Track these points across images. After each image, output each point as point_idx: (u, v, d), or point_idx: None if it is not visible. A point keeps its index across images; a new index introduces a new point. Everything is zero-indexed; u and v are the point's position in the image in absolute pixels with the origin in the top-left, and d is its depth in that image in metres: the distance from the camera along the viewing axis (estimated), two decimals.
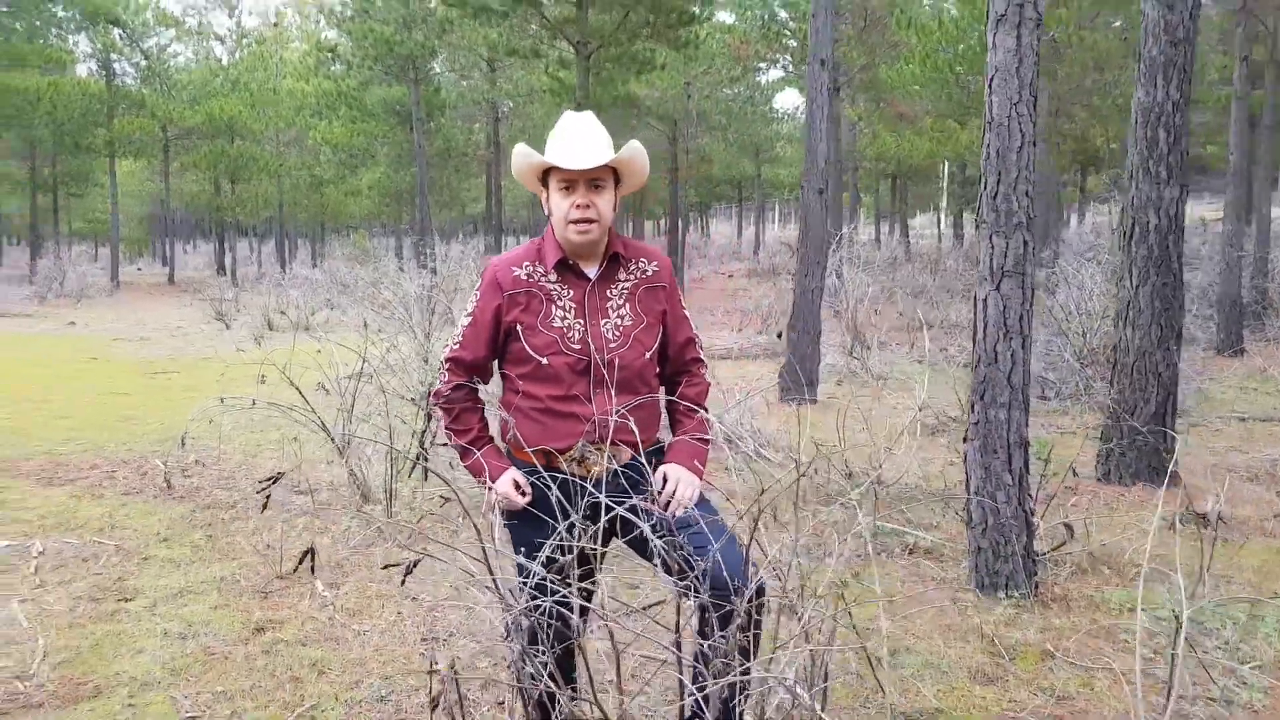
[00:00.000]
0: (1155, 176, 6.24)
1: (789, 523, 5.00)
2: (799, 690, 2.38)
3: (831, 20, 10.18)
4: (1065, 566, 4.61)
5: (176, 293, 27.79)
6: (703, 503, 2.43)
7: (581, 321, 2.44)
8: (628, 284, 2.50)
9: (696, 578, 2.14)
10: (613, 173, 2.47)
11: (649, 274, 2.53)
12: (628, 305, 2.48)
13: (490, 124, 31.20)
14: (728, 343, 14.80)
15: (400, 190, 32.28)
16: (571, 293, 2.46)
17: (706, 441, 2.53)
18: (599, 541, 2.25)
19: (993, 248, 4.21)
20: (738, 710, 2.26)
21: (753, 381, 9.62)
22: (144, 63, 32.91)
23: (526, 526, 2.41)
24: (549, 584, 2.16)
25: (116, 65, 32.75)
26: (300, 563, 2.69)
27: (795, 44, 27.66)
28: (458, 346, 2.52)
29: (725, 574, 2.15)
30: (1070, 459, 5.93)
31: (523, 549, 2.35)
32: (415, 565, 2.61)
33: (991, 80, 4.22)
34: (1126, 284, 6.40)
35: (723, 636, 2.12)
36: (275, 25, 43.12)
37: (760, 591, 2.22)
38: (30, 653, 3.68)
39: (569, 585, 2.16)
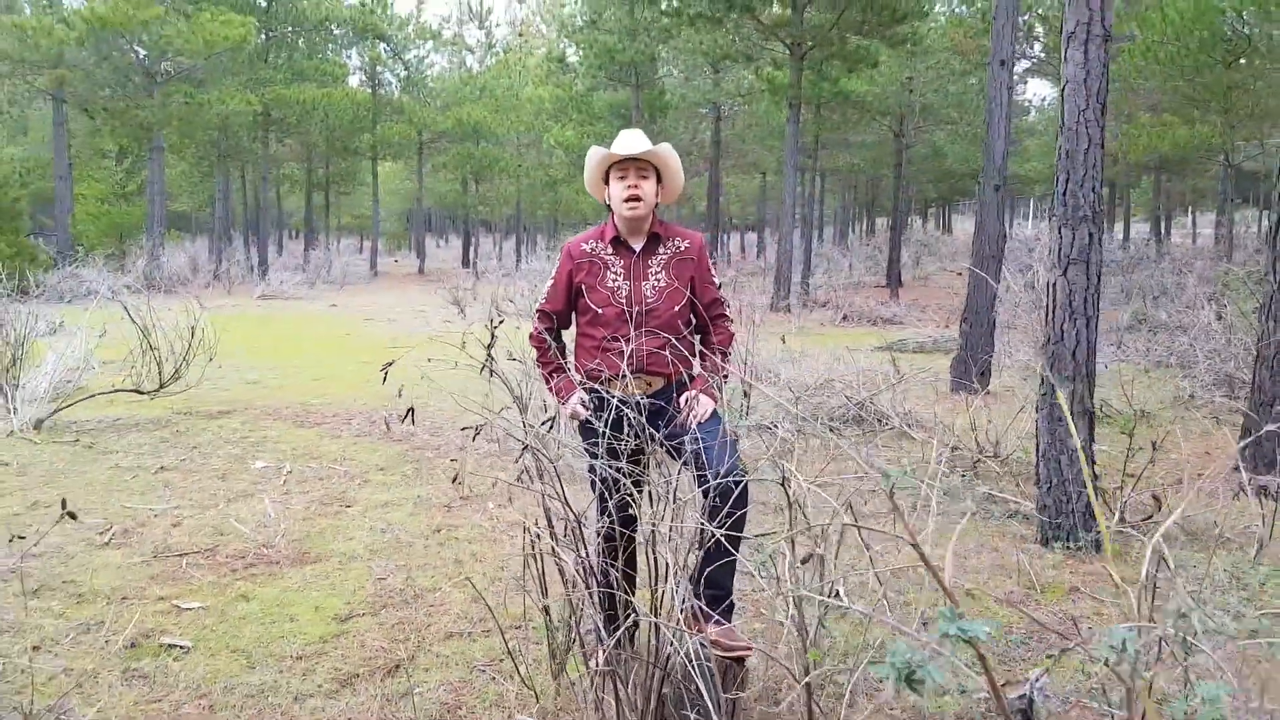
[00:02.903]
0: None
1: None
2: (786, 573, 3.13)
3: (1014, 20, 10.44)
4: (1150, 534, 5.04)
5: (424, 282, 30.51)
6: (714, 418, 3.24)
7: (628, 283, 3.32)
8: (664, 256, 3.37)
9: (702, 471, 2.97)
10: (654, 170, 3.34)
11: (681, 249, 3.39)
12: (663, 272, 3.35)
13: (713, 123, 32.21)
14: (921, 337, 15.11)
15: None
16: (622, 261, 3.35)
17: (724, 375, 3.36)
18: (645, 440, 3.13)
19: (1061, 238, 4.74)
20: (730, 581, 3.08)
21: (934, 373, 10.11)
22: (404, 73, 36.23)
23: (590, 430, 3.30)
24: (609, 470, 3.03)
25: (381, 76, 36.20)
26: (404, 418, 3.64)
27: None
28: (544, 301, 3.47)
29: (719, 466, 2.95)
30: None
31: (591, 444, 3.24)
32: (481, 428, 3.68)
33: (1064, 90, 4.74)
34: (1270, 278, 6.55)
35: (718, 512, 2.93)
36: (520, 35, 45.99)
37: (739, 482, 3.00)
38: (274, 533, 4.98)
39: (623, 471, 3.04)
